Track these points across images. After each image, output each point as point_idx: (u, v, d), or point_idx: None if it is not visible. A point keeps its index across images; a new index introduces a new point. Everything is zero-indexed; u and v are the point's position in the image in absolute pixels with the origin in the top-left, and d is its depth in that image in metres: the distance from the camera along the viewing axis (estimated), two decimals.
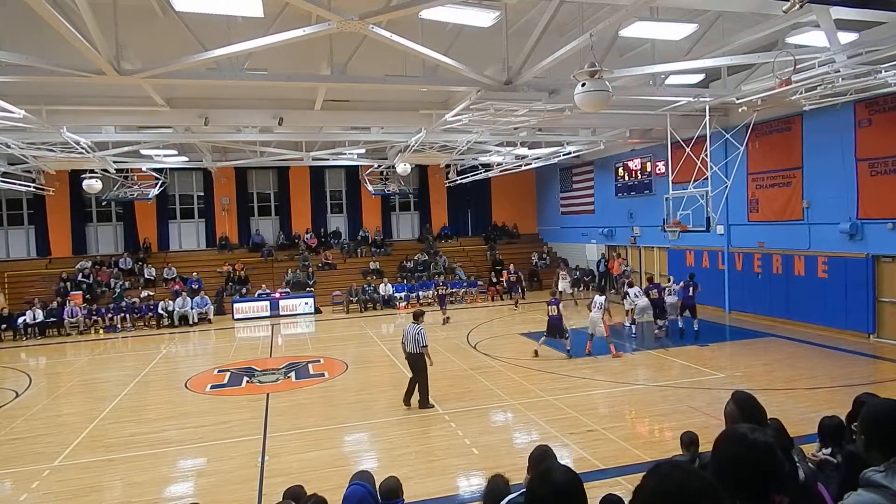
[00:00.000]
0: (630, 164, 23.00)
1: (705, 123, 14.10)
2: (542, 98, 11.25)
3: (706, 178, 14.48)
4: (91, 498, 7.37)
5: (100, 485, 7.78)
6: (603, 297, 13.87)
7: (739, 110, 13.20)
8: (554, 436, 8.55)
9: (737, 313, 17.80)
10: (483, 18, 9.24)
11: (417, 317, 10.46)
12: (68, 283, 22.76)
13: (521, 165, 22.81)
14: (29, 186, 20.63)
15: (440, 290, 21.17)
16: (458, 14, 9.02)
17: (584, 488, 2.07)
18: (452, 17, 9.26)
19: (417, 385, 10.19)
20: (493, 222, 30.86)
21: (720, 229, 17.55)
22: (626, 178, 23.42)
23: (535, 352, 13.81)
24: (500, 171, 23.98)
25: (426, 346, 10.06)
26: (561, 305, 13.59)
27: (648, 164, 21.89)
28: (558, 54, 9.18)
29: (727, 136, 15.76)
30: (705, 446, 5.13)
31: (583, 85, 8.28)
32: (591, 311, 13.91)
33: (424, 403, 10.15)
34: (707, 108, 13.96)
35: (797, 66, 10.09)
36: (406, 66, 11.20)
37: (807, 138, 15.35)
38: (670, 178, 15.70)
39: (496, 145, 19.50)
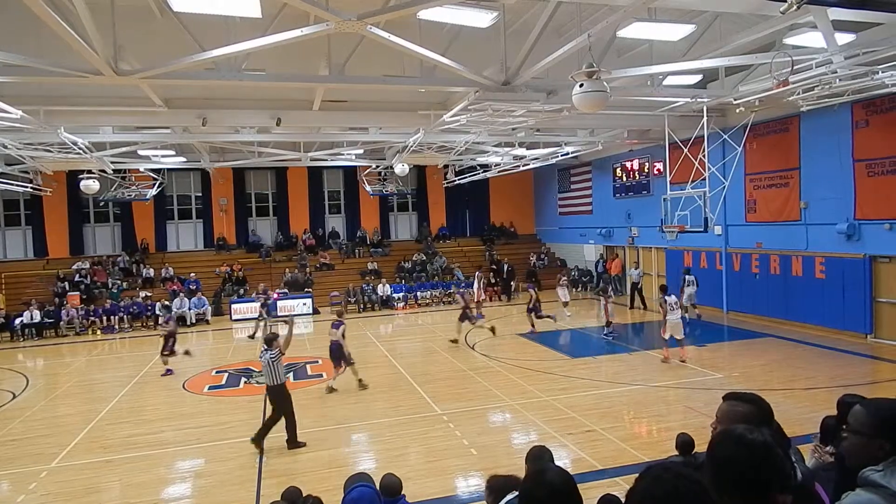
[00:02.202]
0: (628, 164, 23.02)
1: (703, 124, 14.13)
2: (540, 99, 11.25)
3: (704, 179, 14.51)
4: (89, 499, 7.36)
5: (98, 486, 7.77)
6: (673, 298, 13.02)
7: (737, 111, 13.22)
8: (552, 436, 8.55)
9: (734, 313, 17.83)
10: (481, 19, 9.24)
11: (270, 342, 8.86)
12: (66, 284, 22.73)
13: (519, 166, 22.83)
14: (26, 187, 20.60)
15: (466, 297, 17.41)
16: (455, 14, 9.01)
17: (577, 489, 2.08)
18: (450, 18, 9.26)
19: (285, 423, 8.67)
20: (491, 223, 30.87)
21: (718, 230, 17.59)
22: (625, 178, 23.44)
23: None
24: (499, 172, 24.01)
25: (286, 377, 8.86)
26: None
27: (646, 164, 21.92)
28: (556, 55, 9.19)
29: (725, 136, 15.77)
30: (702, 447, 5.14)
31: (581, 85, 8.29)
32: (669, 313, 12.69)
33: (294, 442, 8.65)
34: (705, 108, 13.99)
35: (795, 67, 10.11)
36: (404, 66, 11.21)
37: (804, 139, 15.39)
38: (668, 179, 15.73)
39: (494, 146, 19.52)
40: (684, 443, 5.41)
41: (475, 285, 20.71)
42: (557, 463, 4.32)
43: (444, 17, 9.17)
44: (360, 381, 11.78)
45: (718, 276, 18.46)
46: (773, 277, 16.47)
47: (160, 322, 16.22)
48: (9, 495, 7.63)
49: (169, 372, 13.68)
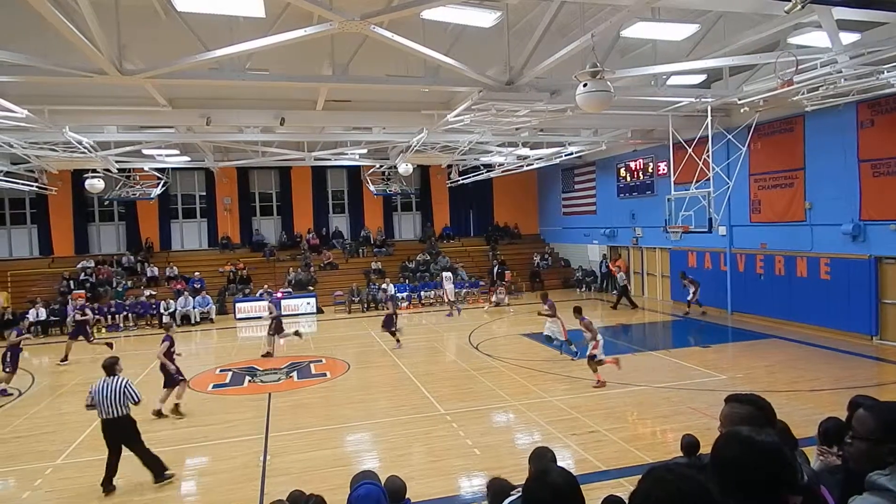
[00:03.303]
0: (632, 164, 22.98)
1: (707, 124, 14.09)
2: (543, 98, 11.25)
3: (708, 179, 14.47)
4: (93, 496, 7.39)
5: (101, 483, 7.78)
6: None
7: (741, 111, 13.18)
8: (556, 437, 8.55)
9: (739, 314, 17.78)
10: (484, 19, 9.24)
11: (110, 368, 7.60)
12: (71, 282, 22.83)
13: (522, 166, 22.81)
14: (32, 186, 20.68)
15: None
16: (459, 14, 9.02)
17: (580, 490, 2.08)
18: (454, 18, 9.26)
19: (139, 457, 7.61)
20: (494, 222, 30.85)
21: (722, 230, 17.54)
22: (628, 178, 23.40)
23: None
24: (502, 172, 23.99)
25: (139, 400, 7.68)
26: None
27: (650, 164, 21.87)
28: (560, 55, 9.19)
29: (729, 136, 15.74)
30: (707, 448, 5.13)
31: (584, 85, 8.29)
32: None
33: (160, 474, 7.61)
34: (709, 108, 13.95)
35: (799, 67, 10.08)
36: (408, 66, 11.21)
37: (809, 139, 15.32)
38: (672, 179, 15.69)
39: (498, 146, 19.51)
40: (689, 444, 5.40)
41: (447, 286, 21.64)
42: (560, 464, 4.32)
43: (447, 17, 9.17)
44: (175, 405, 10.57)
45: (723, 276, 18.41)
46: (778, 278, 16.42)
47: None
48: (14, 491, 7.67)
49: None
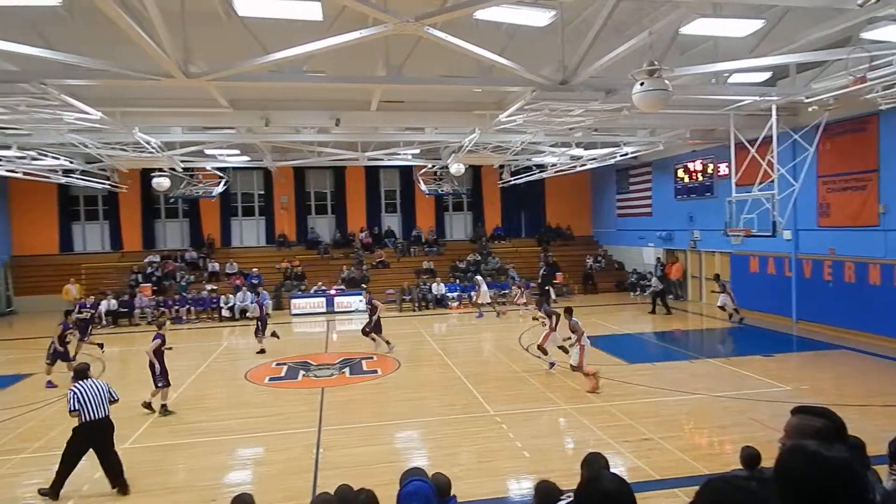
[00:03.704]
0: (690, 165, 22.27)
1: (772, 123, 13.51)
2: (598, 98, 11.04)
3: (772, 181, 13.88)
4: (157, 480, 7.75)
5: (166, 468, 8.17)
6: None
7: (809, 110, 12.57)
8: (607, 443, 8.38)
9: (805, 323, 16.94)
10: (539, 18, 9.15)
11: (83, 373, 7.53)
12: (138, 276, 24.04)
13: (576, 166, 22.47)
14: (104, 184, 21.98)
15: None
16: (513, 14, 8.96)
17: (634, 497, 2.03)
18: (508, 18, 9.20)
19: (108, 460, 7.41)
20: (546, 224, 30.52)
21: (787, 234, 16.74)
22: (686, 179, 22.69)
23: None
24: (555, 172, 23.70)
25: (117, 398, 7.66)
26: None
27: (710, 165, 21.14)
28: (616, 53, 9.00)
29: (796, 136, 15.03)
30: (769, 462, 4.91)
31: (641, 84, 8.10)
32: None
33: (120, 487, 7.30)
34: (774, 107, 13.36)
35: (873, 63, 9.53)
36: (461, 66, 11.22)
37: (884, 139, 14.44)
38: (733, 181, 15.13)
39: (551, 146, 19.29)
40: (749, 456, 5.17)
41: (483, 288, 21.55)
42: (612, 471, 4.23)
43: (501, 17, 9.12)
44: (163, 406, 10.57)
45: (787, 283, 17.59)
46: (848, 286, 15.55)
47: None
48: (87, 471, 8.11)
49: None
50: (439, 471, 4.56)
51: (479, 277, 22.88)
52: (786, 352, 14.44)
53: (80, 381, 7.39)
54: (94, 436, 7.32)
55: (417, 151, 20.15)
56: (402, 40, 9.82)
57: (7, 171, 18.60)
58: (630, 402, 10.40)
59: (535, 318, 13.24)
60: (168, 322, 11.36)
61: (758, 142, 14.30)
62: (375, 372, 13.29)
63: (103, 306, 21.09)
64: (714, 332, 17.84)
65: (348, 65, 11.10)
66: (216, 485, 7.58)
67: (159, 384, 10.47)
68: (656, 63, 8.01)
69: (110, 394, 7.50)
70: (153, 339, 10.66)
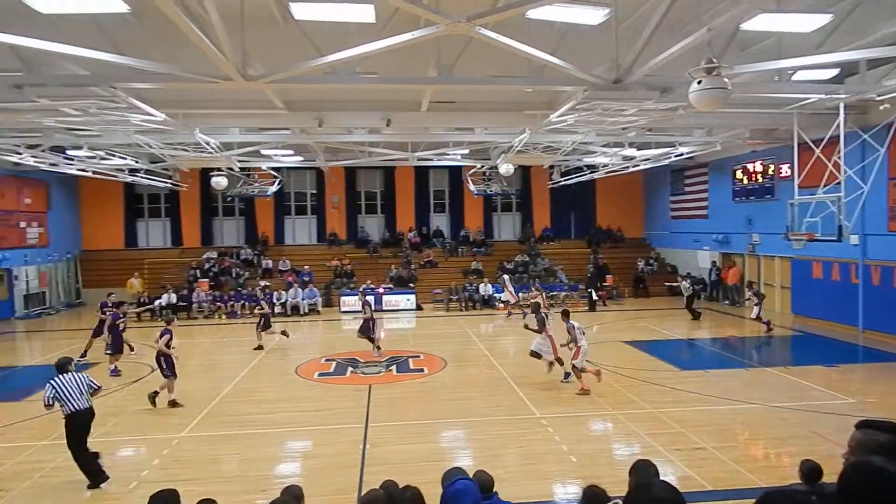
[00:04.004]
0: (750, 166, 21.44)
1: (839, 123, 12.86)
2: (653, 97, 10.77)
3: (839, 183, 13.21)
4: (211, 469, 8.04)
5: (219, 457, 8.47)
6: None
7: (880, 108, 11.92)
8: (657, 450, 8.17)
9: (872, 333, 16.05)
10: (592, 16, 9.01)
11: (64, 367, 7.66)
12: (197, 271, 25.00)
13: (628, 167, 22.00)
14: (167, 182, 23.01)
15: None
16: (566, 12, 8.85)
17: None
18: (560, 16, 9.10)
19: (83, 461, 7.52)
20: (597, 225, 30.01)
21: (854, 239, 15.89)
22: (745, 181, 21.86)
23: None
24: (606, 173, 23.27)
25: (99, 386, 7.92)
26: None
27: (771, 166, 20.31)
28: (672, 51, 8.75)
29: (865, 136, 14.25)
30: (831, 477, 4.68)
31: (698, 82, 7.85)
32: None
33: (96, 481, 7.47)
34: (841, 105, 12.71)
35: None
36: (511, 66, 11.16)
37: None
38: (796, 182, 14.50)
39: (602, 146, 18.95)
40: (810, 470, 4.92)
41: (510, 287, 21.51)
42: (663, 479, 4.12)
43: (553, 16, 9.03)
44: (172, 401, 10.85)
45: (853, 290, 16.71)
46: None
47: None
48: (146, 457, 8.52)
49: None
50: (486, 471, 4.55)
51: (505, 277, 22.75)
52: (850, 362, 13.74)
53: (60, 375, 7.52)
54: (78, 424, 7.46)
55: (467, 151, 20.18)
56: (454, 41, 9.84)
57: (79, 170, 19.73)
58: (681, 409, 10.10)
59: (526, 327, 12.53)
60: (175, 319, 11.73)
61: (823, 142, 13.65)
62: (422, 371, 13.38)
63: (163, 300, 22.06)
64: (772, 339, 17.13)
65: (400, 66, 11.22)
66: (266, 476, 7.80)
67: (167, 374, 10.81)
68: (715, 60, 7.75)
69: (90, 385, 7.69)
70: (161, 335, 10.96)
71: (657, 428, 9.15)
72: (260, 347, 15.97)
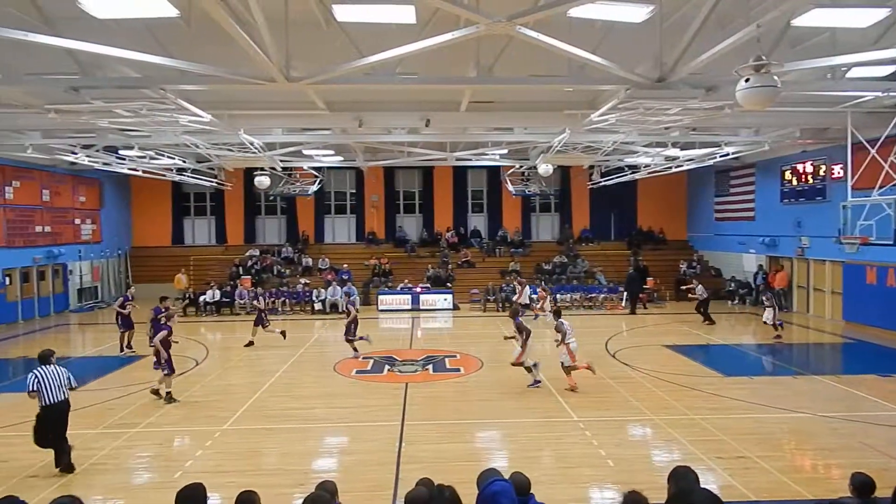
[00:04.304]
0: (799, 166, 20.71)
1: None
2: (698, 95, 10.49)
3: (895, 185, 12.62)
4: (251, 461, 8.23)
5: (259, 450, 8.67)
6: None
7: None
8: (698, 458, 7.98)
9: None
10: (636, 14, 8.85)
11: (47, 358, 7.85)
12: (240, 269, 25.64)
13: (671, 167, 21.51)
14: (212, 182, 23.67)
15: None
16: (609, 10, 8.72)
17: None
18: (603, 14, 8.98)
19: (60, 445, 7.74)
20: (638, 227, 29.47)
21: None
22: (795, 182, 21.12)
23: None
24: (648, 174, 22.81)
25: (76, 385, 8.11)
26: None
27: (822, 167, 19.56)
28: (719, 48, 8.51)
29: None
30: (882, 491, 4.48)
31: (746, 80, 7.62)
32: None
33: (64, 468, 7.71)
34: None
35: None
36: (552, 65, 11.05)
37: None
38: (850, 184, 13.91)
39: (644, 146, 18.59)
40: (862, 483, 4.72)
41: (523, 290, 21.23)
42: (704, 487, 4.01)
43: (596, 14, 8.91)
44: (168, 393, 10.98)
45: None
46: None
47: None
48: (190, 448, 8.79)
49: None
50: (522, 473, 4.52)
51: (519, 278, 22.61)
52: None
53: (43, 366, 7.73)
54: (52, 416, 7.64)
55: (505, 151, 20.09)
56: (493, 40, 9.82)
57: (130, 169, 20.49)
58: (724, 416, 9.83)
59: (506, 338, 12.50)
60: (176, 315, 11.87)
61: (879, 141, 13.07)
62: (458, 370, 13.39)
63: (208, 296, 22.71)
64: (822, 347, 16.52)
65: (439, 66, 11.25)
66: (305, 470, 7.94)
67: (165, 372, 10.92)
68: (764, 57, 7.51)
69: (69, 381, 7.87)
70: (159, 331, 11.17)
71: (698, 434, 8.93)
72: (251, 343, 16.12)
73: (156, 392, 11.05)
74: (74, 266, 24.21)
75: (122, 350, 15.43)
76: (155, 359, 11.14)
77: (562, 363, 11.49)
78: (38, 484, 7.31)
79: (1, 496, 3.41)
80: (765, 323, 16.82)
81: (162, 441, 9.10)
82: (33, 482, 7.40)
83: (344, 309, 15.44)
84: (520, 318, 12.16)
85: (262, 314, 16.52)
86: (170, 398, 10.93)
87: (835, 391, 11.43)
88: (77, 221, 24.72)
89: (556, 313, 12.40)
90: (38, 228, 22.30)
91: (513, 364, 11.96)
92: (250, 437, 9.21)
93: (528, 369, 11.87)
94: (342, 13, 8.67)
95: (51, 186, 22.95)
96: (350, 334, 14.85)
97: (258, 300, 17.76)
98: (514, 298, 21.25)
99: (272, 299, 23.38)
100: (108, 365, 14.13)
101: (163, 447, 8.90)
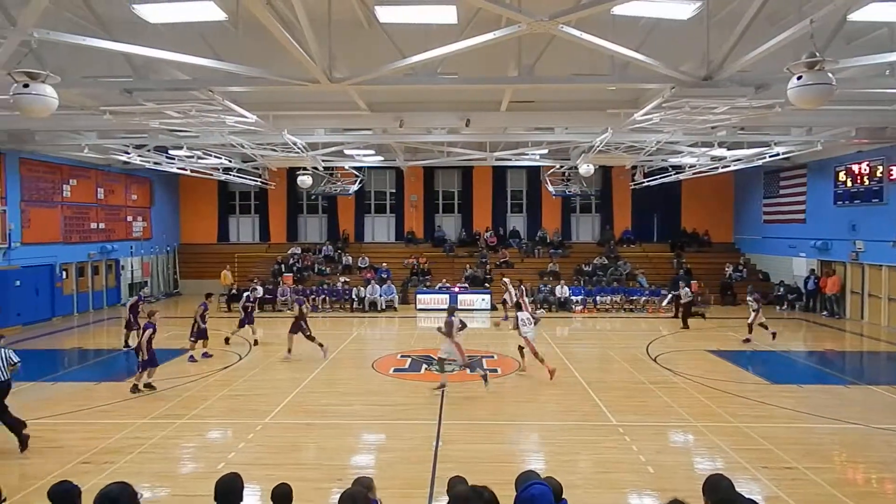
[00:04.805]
0: (855, 167, 19.86)
1: None
2: (747, 94, 10.18)
3: None
4: (291, 455, 8.40)
5: (299, 445, 8.83)
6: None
7: None
8: (742, 467, 7.74)
9: None
10: (682, 10, 8.64)
11: None
12: (282, 266, 26.19)
13: (717, 168, 20.91)
14: (256, 181, 24.24)
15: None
16: (654, 7, 8.54)
17: None
18: (648, 11, 8.80)
19: (5, 421, 8.44)
20: (681, 228, 28.79)
21: None
22: (849, 183, 20.27)
23: None
24: (693, 174, 22.25)
25: (17, 361, 8.57)
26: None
27: (879, 167, 18.71)
28: (770, 45, 8.23)
29: None
30: None
31: (799, 78, 7.35)
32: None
33: (24, 440, 8.36)
34: None
35: None
36: (594, 64, 10.90)
37: None
38: None
39: (689, 146, 18.13)
40: None
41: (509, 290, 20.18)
42: (750, 498, 3.89)
43: (640, 11, 8.74)
44: (148, 384, 11.40)
45: None
46: None
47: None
48: (233, 441, 9.02)
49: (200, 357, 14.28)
50: (557, 478, 4.47)
51: (506, 279, 22.14)
52: None
53: None
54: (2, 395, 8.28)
55: (545, 151, 19.91)
56: (535, 39, 9.74)
57: (179, 168, 21.16)
58: (771, 425, 9.52)
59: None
60: (158, 313, 12.21)
61: None
62: (495, 371, 13.34)
63: (251, 292, 23.21)
64: (877, 355, 15.81)
65: (480, 66, 11.23)
66: (342, 465, 8.05)
67: (144, 368, 11.28)
68: (818, 54, 7.23)
69: (10, 359, 8.43)
70: (144, 329, 11.42)
71: (743, 443, 8.67)
72: (226, 340, 16.04)
73: (136, 389, 11.32)
74: (126, 262, 25.21)
75: (126, 345, 15.44)
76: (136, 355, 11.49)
77: (534, 354, 11.82)
78: (90, 469, 7.62)
79: (56, 480, 3.57)
80: (749, 324, 16.32)
81: (207, 433, 9.38)
82: (86, 468, 7.72)
83: (290, 307, 15.38)
84: (453, 317, 11.69)
85: (303, 322, 15.03)
86: (137, 389, 11.27)
87: (890, 402, 10.92)
88: (129, 219, 25.72)
89: (518, 306, 12.41)
90: (93, 225, 23.31)
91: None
92: (290, 431, 9.39)
93: (441, 366, 11.72)
94: (384, 14, 8.75)
95: (105, 185, 23.97)
96: (305, 330, 14.61)
97: (297, 305, 16.64)
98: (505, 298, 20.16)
99: (312, 296, 23.80)
100: (157, 357, 14.60)
101: (207, 438, 9.17)
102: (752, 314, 16.14)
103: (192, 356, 14.19)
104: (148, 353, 11.30)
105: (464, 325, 11.85)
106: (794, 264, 23.60)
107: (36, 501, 6.36)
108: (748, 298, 16.75)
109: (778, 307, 22.86)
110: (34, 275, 19.80)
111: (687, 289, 19.46)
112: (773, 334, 15.98)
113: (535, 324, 13.06)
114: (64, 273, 21.48)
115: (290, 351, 14.58)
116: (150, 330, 11.46)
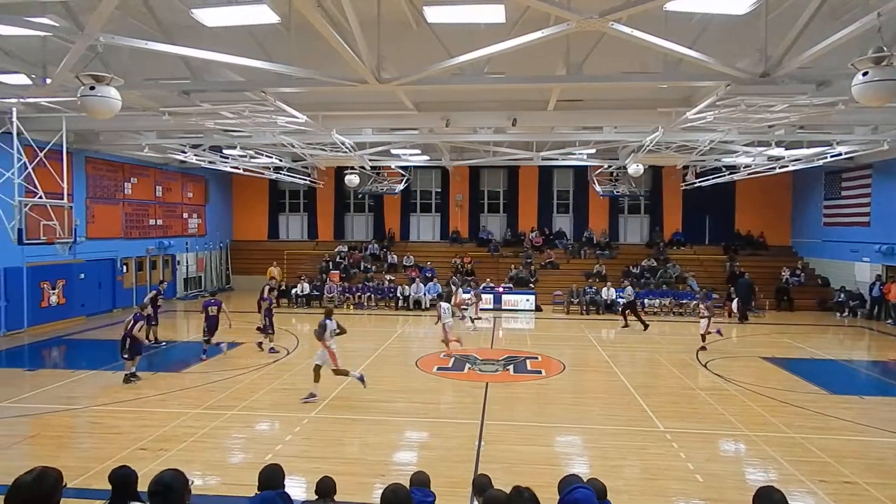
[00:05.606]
0: None
1: None
2: (807, 91, 9.78)
3: None
4: (335, 449, 8.55)
5: (343, 439, 8.99)
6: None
7: None
8: (797, 479, 7.45)
9: None
10: (738, 6, 8.34)
11: None
12: (329, 263, 26.69)
13: (774, 168, 20.11)
14: (305, 180, 24.80)
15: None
16: (708, 3, 8.29)
17: None
18: (702, 7, 8.55)
19: None
20: (735, 231, 27.85)
21: None
22: None
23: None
24: (748, 174, 21.47)
25: None
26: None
27: None
28: (832, 40, 7.86)
29: None
30: None
31: (864, 74, 7.00)
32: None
33: None
34: None
35: None
36: (644, 61, 10.65)
37: None
38: None
39: (745, 145, 17.51)
40: None
41: (457, 291, 20.20)
42: None
43: (694, 7, 8.50)
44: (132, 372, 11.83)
45: None
46: None
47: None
48: (280, 433, 9.25)
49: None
50: (603, 482, 4.41)
51: (454, 278, 21.83)
52: None
53: None
54: None
55: (593, 151, 19.60)
56: (584, 37, 9.60)
57: (232, 167, 21.84)
58: (829, 437, 9.10)
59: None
60: (149, 307, 12.65)
61: None
62: (539, 372, 13.23)
63: (298, 289, 23.83)
64: None
65: (527, 65, 11.14)
66: (385, 461, 8.14)
67: (130, 357, 11.79)
68: (885, 49, 6.86)
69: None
70: (136, 321, 11.95)
71: (799, 455, 8.32)
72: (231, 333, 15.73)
73: (128, 379, 11.78)
74: (182, 257, 26.21)
75: (153, 341, 15.58)
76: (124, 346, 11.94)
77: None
78: (146, 456, 7.96)
79: (115, 465, 3.74)
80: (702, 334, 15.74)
81: (256, 424, 9.65)
82: (142, 454, 8.06)
83: (261, 300, 15.55)
84: (328, 320, 10.95)
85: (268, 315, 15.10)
86: (129, 378, 11.74)
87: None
88: (185, 216, 26.72)
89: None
90: (152, 221, 24.32)
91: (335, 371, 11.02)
92: (335, 426, 9.56)
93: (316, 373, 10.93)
94: (433, 14, 8.78)
95: (163, 183, 24.98)
96: (268, 326, 14.90)
97: (265, 295, 15.97)
98: (454, 301, 18.69)
99: (358, 294, 24.16)
100: (209, 349, 15.11)
101: (256, 430, 9.44)
102: (704, 321, 15.71)
103: (272, 348, 14.73)
104: (138, 345, 11.98)
105: (342, 331, 11.12)
106: (856, 269, 22.49)
107: (96, 483, 6.68)
108: (700, 305, 16.30)
109: (838, 314, 21.83)
110: (97, 268, 20.82)
111: (630, 288, 19.65)
112: (719, 331, 16.08)
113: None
114: (124, 267, 22.49)
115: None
116: (142, 322, 12.12)
